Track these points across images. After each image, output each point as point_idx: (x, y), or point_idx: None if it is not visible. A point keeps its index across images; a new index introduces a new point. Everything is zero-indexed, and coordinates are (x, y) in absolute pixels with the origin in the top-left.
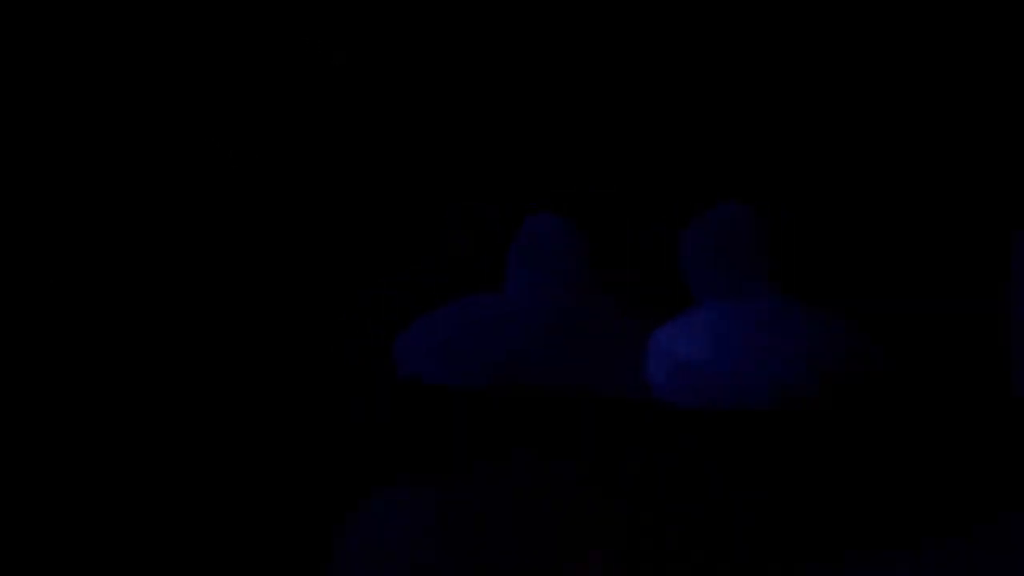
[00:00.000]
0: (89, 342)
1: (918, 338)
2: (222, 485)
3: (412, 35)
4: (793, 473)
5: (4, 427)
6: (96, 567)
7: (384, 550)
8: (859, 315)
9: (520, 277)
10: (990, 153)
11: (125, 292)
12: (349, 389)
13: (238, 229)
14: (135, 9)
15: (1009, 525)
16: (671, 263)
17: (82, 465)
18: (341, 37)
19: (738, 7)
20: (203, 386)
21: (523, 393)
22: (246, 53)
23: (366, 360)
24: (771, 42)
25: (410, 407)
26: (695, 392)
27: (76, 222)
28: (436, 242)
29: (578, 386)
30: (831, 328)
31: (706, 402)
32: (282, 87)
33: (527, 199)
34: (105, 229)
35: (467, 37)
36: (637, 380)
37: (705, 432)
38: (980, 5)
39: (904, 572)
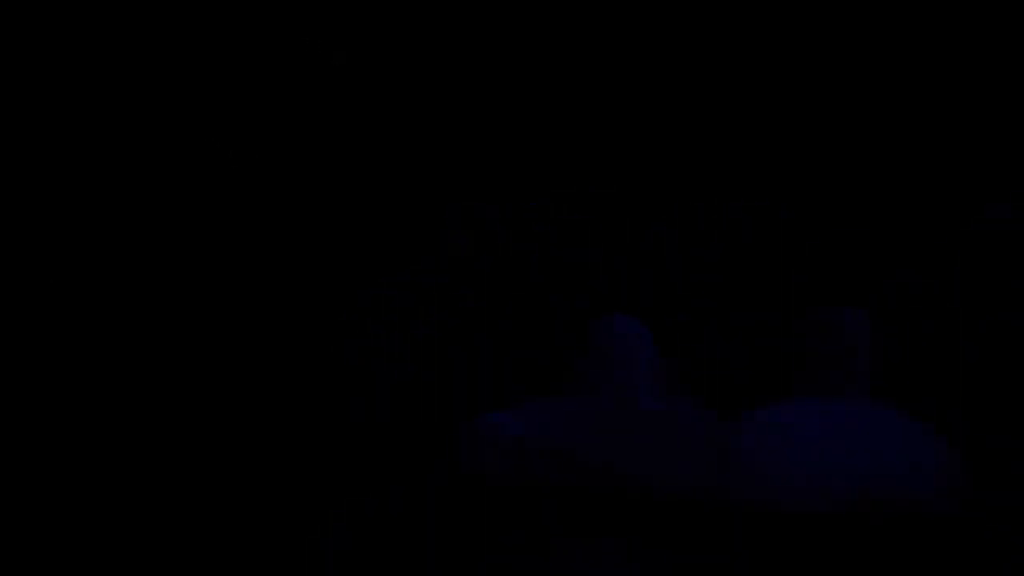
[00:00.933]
0: (93, 342)
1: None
2: (221, 483)
3: (412, 35)
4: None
5: (4, 426)
6: (120, 562)
7: None
8: (956, 432)
9: (595, 380)
10: None
11: (127, 292)
12: (349, 389)
13: (239, 229)
14: (136, 10)
15: None
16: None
17: (89, 463)
18: (341, 37)
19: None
20: (203, 384)
21: (600, 493)
22: (247, 53)
23: (366, 360)
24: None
25: (409, 409)
26: (773, 491)
27: (79, 223)
28: (436, 242)
29: (658, 487)
30: (919, 442)
31: (785, 501)
32: (282, 87)
33: (527, 199)
34: (107, 230)
35: (468, 38)
36: (716, 480)
37: (778, 533)
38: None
39: None
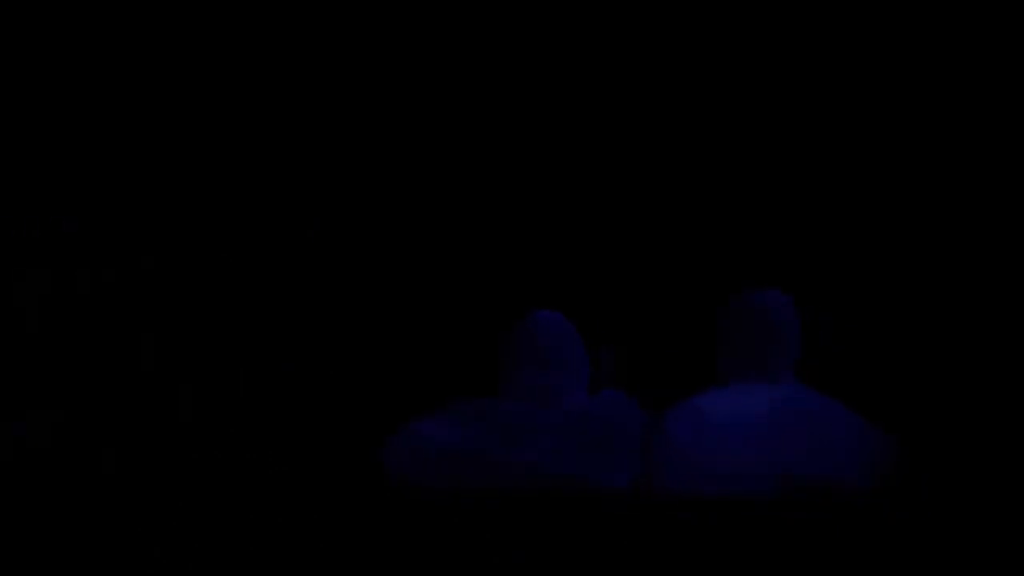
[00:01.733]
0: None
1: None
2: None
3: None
4: (791, 564)
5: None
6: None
7: None
8: (881, 413)
9: (522, 379)
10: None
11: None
12: (269, 398)
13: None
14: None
15: None
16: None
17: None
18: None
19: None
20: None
21: (530, 494)
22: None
23: (285, 368)
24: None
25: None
26: (697, 480)
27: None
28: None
29: (585, 482)
30: (846, 424)
31: (711, 489)
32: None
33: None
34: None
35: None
36: (641, 474)
37: (710, 521)
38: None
39: None
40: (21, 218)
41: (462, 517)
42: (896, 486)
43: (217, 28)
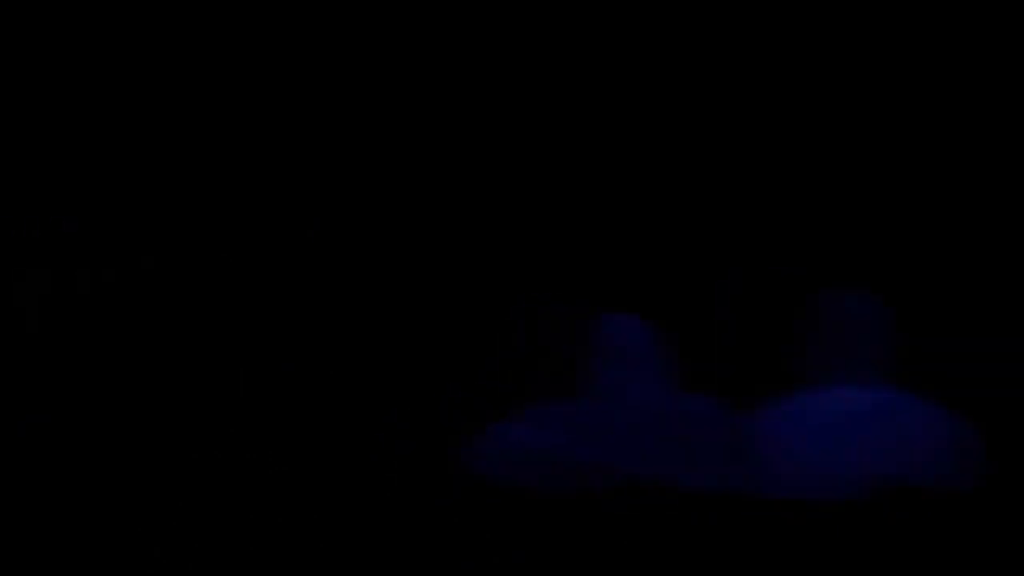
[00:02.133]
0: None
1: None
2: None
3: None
4: (880, 568)
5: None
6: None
7: None
8: (976, 414)
9: (607, 381)
10: None
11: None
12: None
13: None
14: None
15: None
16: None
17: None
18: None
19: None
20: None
21: (617, 497)
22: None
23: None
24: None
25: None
26: (791, 482)
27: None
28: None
29: (675, 483)
30: (939, 425)
31: (805, 492)
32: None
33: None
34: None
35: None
36: (734, 474)
37: (803, 525)
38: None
39: None
40: (21, 218)
41: (550, 518)
42: (992, 491)
43: (216, 28)
